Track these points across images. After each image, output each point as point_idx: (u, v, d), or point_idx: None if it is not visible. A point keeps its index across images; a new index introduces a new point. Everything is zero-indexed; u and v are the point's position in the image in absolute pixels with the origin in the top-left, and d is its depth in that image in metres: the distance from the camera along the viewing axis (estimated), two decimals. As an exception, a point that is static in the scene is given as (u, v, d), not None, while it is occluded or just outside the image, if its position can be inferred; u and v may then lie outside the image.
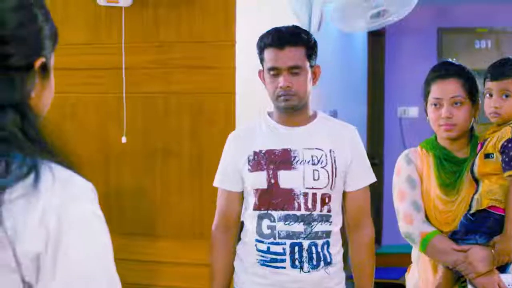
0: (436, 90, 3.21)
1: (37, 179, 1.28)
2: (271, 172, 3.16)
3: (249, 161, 3.22)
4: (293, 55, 3.13)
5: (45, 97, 1.45)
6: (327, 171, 3.16)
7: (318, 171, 3.15)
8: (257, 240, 3.22)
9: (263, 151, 3.20)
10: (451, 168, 3.21)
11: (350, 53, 7.53)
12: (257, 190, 3.19)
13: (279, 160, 3.17)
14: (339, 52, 6.97)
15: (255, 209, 3.20)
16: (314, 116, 3.30)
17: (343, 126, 3.33)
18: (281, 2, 4.59)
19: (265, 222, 3.18)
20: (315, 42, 3.23)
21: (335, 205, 3.21)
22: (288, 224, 3.14)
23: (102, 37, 4.30)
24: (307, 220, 3.14)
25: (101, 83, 4.31)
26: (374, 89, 8.59)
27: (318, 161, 3.16)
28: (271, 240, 3.17)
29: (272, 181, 3.15)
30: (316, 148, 3.18)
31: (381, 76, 8.76)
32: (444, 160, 3.23)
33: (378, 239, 8.15)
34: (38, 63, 1.40)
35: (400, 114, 8.52)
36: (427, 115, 3.30)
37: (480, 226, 3.04)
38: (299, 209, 3.14)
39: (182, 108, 4.17)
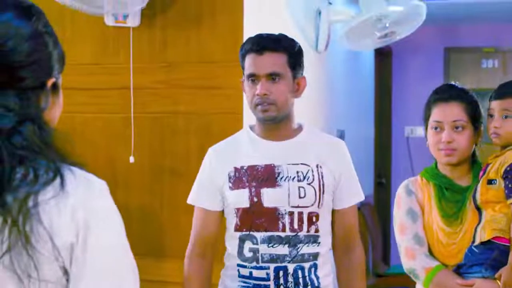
0: (437, 113, 3.09)
1: (63, 181, 1.52)
2: (253, 189, 2.91)
3: (229, 178, 2.98)
4: (272, 61, 2.91)
5: (54, 112, 1.68)
6: (314, 188, 2.93)
7: (304, 188, 2.91)
8: (239, 265, 2.99)
9: (244, 167, 2.96)
10: (453, 198, 3.08)
11: (357, 73, 7.53)
12: (238, 209, 2.95)
13: (262, 176, 2.93)
14: (346, 72, 6.98)
15: (236, 230, 2.97)
16: (300, 129, 3.07)
17: (331, 140, 3.15)
18: (288, 22, 4.60)
19: (247, 245, 2.94)
20: (299, 50, 3.02)
21: (324, 224, 2.99)
22: (272, 246, 2.90)
23: (110, 57, 4.32)
24: (292, 241, 2.89)
25: (109, 103, 4.32)
26: (381, 109, 8.59)
27: (304, 177, 2.93)
28: (254, 264, 2.93)
29: (255, 199, 2.91)
30: (302, 164, 2.95)
31: (388, 96, 8.77)
32: (445, 189, 3.09)
33: (386, 260, 8.12)
34: (49, 83, 1.63)
35: (407, 133, 8.53)
36: (427, 139, 3.16)
37: (485, 258, 2.91)
38: (283, 229, 2.89)
39: (190, 128, 4.18)
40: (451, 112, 3.06)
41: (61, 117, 1.79)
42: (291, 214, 2.90)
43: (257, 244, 2.91)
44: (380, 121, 8.57)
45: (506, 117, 3.02)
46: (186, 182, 4.19)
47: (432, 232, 3.07)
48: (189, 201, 3.15)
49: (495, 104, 3.06)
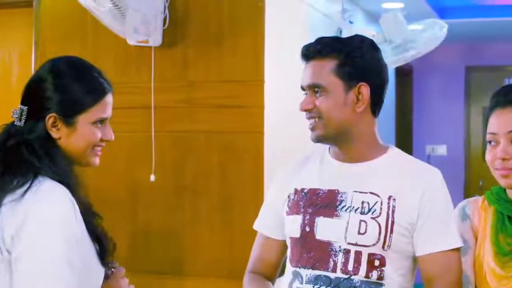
0: (492, 123, 2.37)
1: (27, 189, 1.93)
2: (307, 217, 2.39)
3: (288, 200, 2.48)
4: (315, 71, 2.39)
5: (73, 140, 2.07)
6: (379, 224, 2.32)
7: (366, 222, 2.32)
8: None
9: (305, 190, 2.45)
10: None
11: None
12: (291, 239, 2.44)
13: (321, 203, 2.40)
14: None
15: (290, 263, 2.46)
16: (383, 151, 2.46)
17: (422, 168, 2.46)
18: (310, 40, 4.60)
19: (295, 284, 2.40)
20: (357, 53, 2.39)
21: (394, 272, 2.34)
22: None
23: (131, 76, 4.34)
24: (343, 286, 2.31)
25: (130, 122, 4.33)
26: (402, 127, 8.57)
27: (369, 210, 2.34)
28: None
29: (307, 229, 2.38)
30: (370, 193, 2.36)
31: (409, 114, 8.75)
32: (508, 218, 2.38)
33: None
34: (47, 118, 2.03)
35: (428, 152, 8.49)
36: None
37: None
38: (334, 270, 2.32)
39: (210, 147, 4.18)
40: (506, 121, 2.34)
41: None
42: (346, 252, 2.33)
43: (302, 283, 2.37)
44: (401, 139, 8.54)
45: None
46: (207, 200, 4.20)
47: (481, 271, 2.39)
48: (254, 225, 2.65)
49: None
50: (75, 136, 2.06)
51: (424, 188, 2.35)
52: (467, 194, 7.85)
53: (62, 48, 4.46)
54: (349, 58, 2.37)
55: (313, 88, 2.39)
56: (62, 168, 2.01)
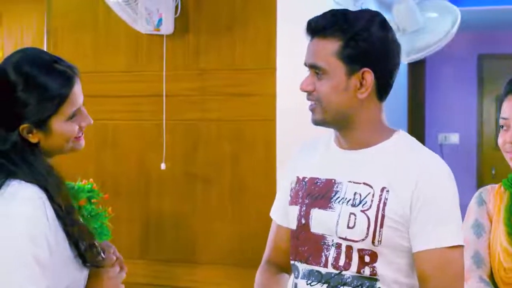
0: (505, 108, 2.39)
1: None
2: (304, 208, 2.23)
3: (291, 189, 2.33)
4: (317, 50, 2.19)
5: (52, 141, 2.02)
6: (368, 218, 2.12)
7: (355, 215, 2.13)
8: None
9: (306, 179, 2.28)
10: None
11: (390, 80, 7.48)
12: (291, 231, 2.30)
13: (318, 193, 2.23)
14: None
15: (290, 256, 2.32)
16: (387, 137, 2.24)
17: (421, 155, 2.20)
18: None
19: (293, 278, 2.28)
20: (363, 35, 2.15)
21: (388, 269, 2.15)
22: (310, 284, 2.21)
23: (143, 64, 4.34)
24: (333, 282, 2.17)
25: (141, 110, 4.33)
26: (414, 116, 8.54)
27: (360, 202, 2.15)
28: None
29: (303, 221, 2.23)
30: (364, 183, 2.16)
31: (421, 103, 8.72)
32: None
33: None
34: (22, 128, 1.98)
35: (440, 140, 8.46)
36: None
37: None
38: (325, 265, 2.17)
39: (222, 135, 4.18)
40: None
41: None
42: (338, 247, 2.17)
43: (297, 278, 2.24)
44: (413, 128, 8.51)
45: None
46: (218, 188, 4.20)
47: (494, 253, 2.40)
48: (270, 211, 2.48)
49: None
50: (53, 137, 2.02)
51: (418, 178, 2.11)
52: (479, 183, 7.82)
53: (74, 36, 4.46)
54: (353, 41, 2.14)
55: (314, 69, 2.18)
56: (39, 172, 1.98)
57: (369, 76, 2.15)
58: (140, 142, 4.35)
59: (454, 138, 8.20)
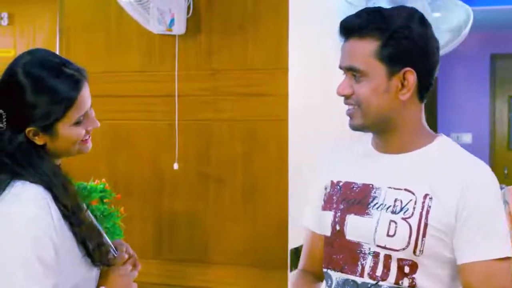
0: None
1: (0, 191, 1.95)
2: (338, 214, 2.14)
3: (324, 194, 2.24)
4: (354, 51, 2.08)
5: (58, 144, 2.03)
6: (410, 226, 2.02)
7: (396, 223, 2.03)
8: None
9: (341, 183, 2.19)
10: None
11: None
12: (324, 237, 2.20)
13: (354, 198, 2.14)
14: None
15: (323, 263, 2.24)
16: (429, 141, 2.18)
17: (466, 162, 2.11)
18: (334, 27, 4.58)
19: (324, 286, 2.21)
20: (403, 33, 2.04)
21: (427, 281, 2.04)
22: None
23: (155, 65, 4.34)
24: None
25: (154, 110, 4.34)
26: (427, 116, 8.51)
27: (401, 209, 2.04)
28: None
29: (337, 227, 2.14)
30: (405, 189, 2.06)
31: (434, 103, 8.71)
32: None
33: None
34: (28, 130, 1.98)
35: (453, 140, 8.45)
36: None
37: None
38: (361, 274, 2.08)
39: (234, 135, 4.18)
40: None
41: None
42: (376, 255, 2.06)
43: (330, 287, 2.16)
44: (425, 128, 8.51)
45: None
46: (231, 188, 4.20)
47: None
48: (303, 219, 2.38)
49: None
50: (59, 140, 2.03)
51: (464, 186, 2.01)
52: (492, 183, 7.81)
53: (86, 36, 4.47)
54: (393, 40, 2.04)
55: (352, 72, 2.07)
56: (44, 173, 1.99)
57: (411, 76, 2.07)
58: (152, 142, 4.36)
59: (466, 138, 8.18)
